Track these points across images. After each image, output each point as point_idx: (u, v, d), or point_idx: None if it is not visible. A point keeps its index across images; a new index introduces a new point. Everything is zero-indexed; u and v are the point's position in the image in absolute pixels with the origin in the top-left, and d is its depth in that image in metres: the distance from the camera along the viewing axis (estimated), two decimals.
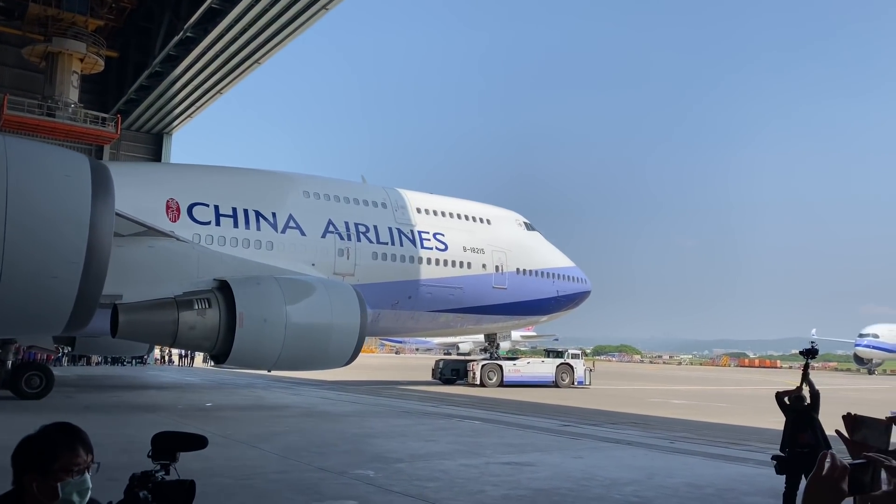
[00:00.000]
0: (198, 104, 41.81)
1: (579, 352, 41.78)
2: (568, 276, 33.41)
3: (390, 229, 27.02)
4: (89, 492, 2.41)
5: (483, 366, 34.38)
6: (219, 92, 40.23)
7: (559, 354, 38.07)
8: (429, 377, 37.73)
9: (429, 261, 27.87)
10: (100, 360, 43.95)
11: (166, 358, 51.03)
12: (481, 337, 42.64)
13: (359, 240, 25.72)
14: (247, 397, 25.37)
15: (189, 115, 43.62)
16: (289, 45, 35.27)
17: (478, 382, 33.70)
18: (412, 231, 27.73)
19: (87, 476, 2.41)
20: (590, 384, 36.74)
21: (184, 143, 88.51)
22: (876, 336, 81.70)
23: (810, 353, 8.54)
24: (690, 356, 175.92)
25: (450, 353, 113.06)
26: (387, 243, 26.66)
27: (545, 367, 36.08)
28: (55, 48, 35.43)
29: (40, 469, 2.27)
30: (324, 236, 24.72)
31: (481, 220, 31.00)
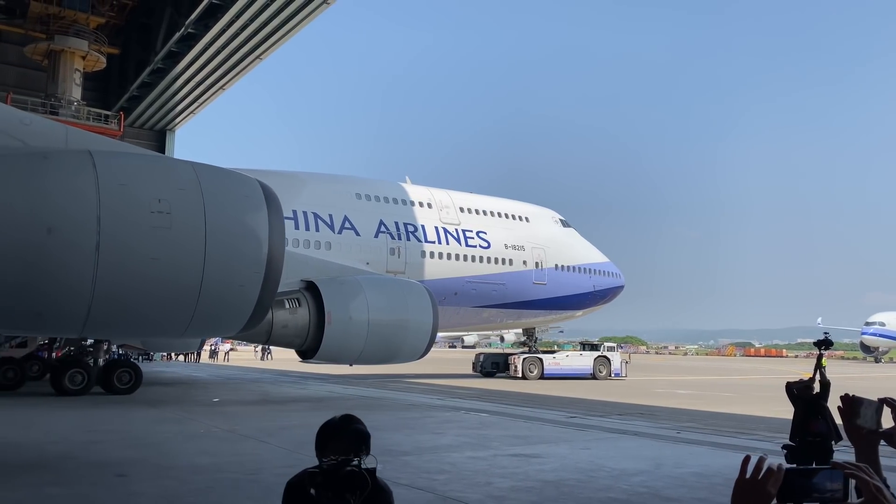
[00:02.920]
0: (200, 100, 41.78)
1: (615, 345, 42.21)
2: (603, 272, 34.31)
3: (436, 228, 28.26)
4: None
5: (524, 359, 34.59)
6: (221, 88, 40.20)
7: (595, 347, 38.52)
8: (458, 370, 37.89)
9: (473, 258, 29.03)
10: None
11: (172, 354, 51.12)
12: (485, 330, 43.85)
13: (408, 239, 27.06)
14: (253, 392, 25.41)
15: (192, 112, 43.60)
16: (290, 40, 35.21)
17: (519, 375, 33.92)
18: (457, 230, 28.93)
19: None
20: (626, 376, 36.89)
21: (187, 140, 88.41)
22: (883, 324, 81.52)
23: (825, 343, 8.49)
24: (696, 346, 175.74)
25: (455, 346, 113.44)
26: (434, 242, 27.90)
27: (583, 360, 36.26)
28: (57, 46, 35.44)
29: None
30: (376, 236, 26.07)
31: (520, 218, 32.00)
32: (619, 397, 24.89)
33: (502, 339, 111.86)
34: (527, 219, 32.24)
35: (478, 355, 39.18)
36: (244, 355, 67.14)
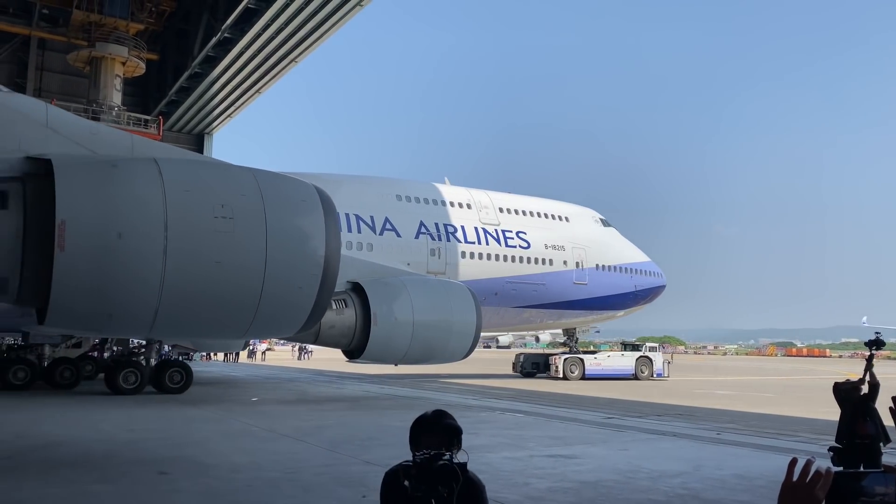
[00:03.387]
0: (237, 104, 42.34)
1: (657, 345, 41.85)
2: (644, 271, 34.09)
3: (476, 229, 28.38)
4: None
5: (565, 359, 34.49)
6: (257, 91, 40.67)
7: (636, 347, 38.21)
8: (495, 370, 37.89)
9: (513, 258, 29.11)
10: None
11: (211, 353, 51.94)
12: (524, 331, 43.88)
13: (448, 240, 27.27)
14: (291, 391, 25.68)
15: (229, 115, 44.21)
16: (324, 43, 35.49)
17: (560, 376, 33.81)
18: (496, 230, 29.02)
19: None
20: (668, 376, 36.52)
21: (225, 143, 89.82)
22: None
23: (876, 343, 8.27)
24: (735, 346, 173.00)
25: (489, 346, 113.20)
26: (474, 242, 28.02)
27: (625, 360, 35.96)
28: (98, 53, 36.23)
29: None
30: (417, 237, 26.35)
31: (560, 218, 31.98)
32: (656, 398, 24.59)
33: (537, 339, 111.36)
34: (567, 218, 32.12)
35: (518, 355, 39.14)
36: (281, 355, 67.93)
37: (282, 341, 68.86)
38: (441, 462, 2.84)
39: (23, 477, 9.11)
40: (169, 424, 15.19)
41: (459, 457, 2.90)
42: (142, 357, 23.84)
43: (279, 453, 11.42)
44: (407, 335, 17.98)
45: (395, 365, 20.02)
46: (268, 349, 65.88)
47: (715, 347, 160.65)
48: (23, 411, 17.22)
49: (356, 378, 33.88)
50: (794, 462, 1.86)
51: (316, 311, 8.88)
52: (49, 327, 8.36)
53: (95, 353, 28.89)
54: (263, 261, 8.10)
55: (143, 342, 24.38)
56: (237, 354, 51.04)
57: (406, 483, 2.86)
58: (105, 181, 7.84)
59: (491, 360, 53.40)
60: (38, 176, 7.76)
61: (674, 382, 34.55)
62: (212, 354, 51.71)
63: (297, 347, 66.27)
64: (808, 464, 1.81)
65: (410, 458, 2.94)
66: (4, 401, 20.10)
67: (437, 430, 3.02)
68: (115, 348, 28.41)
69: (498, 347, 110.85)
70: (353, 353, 18.77)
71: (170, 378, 23.31)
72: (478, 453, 11.63)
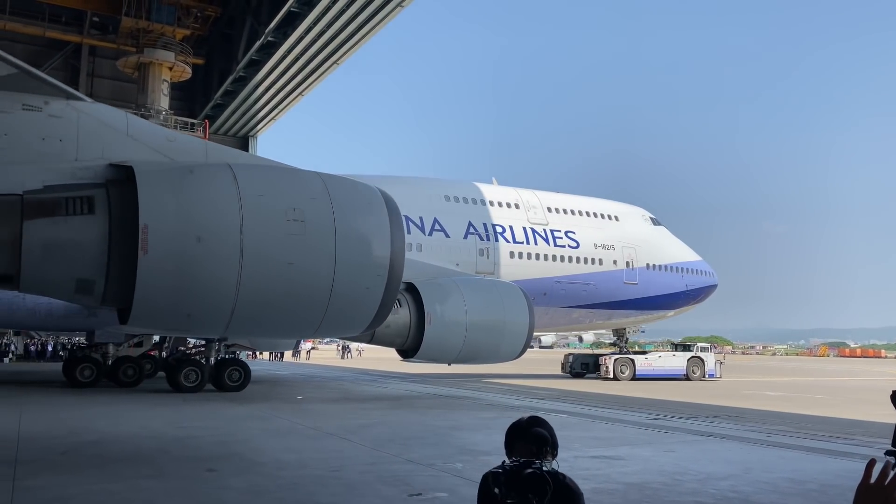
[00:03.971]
0: (281, 106, 42.93)
1: (708, 345, 41.33)
2: (696, 270, 33.68)
3: (525, 229, 28.37)
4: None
5: (616, 360, 34.34)
6: (300, 94, 41.19)
7: (687, 348, 37.80)
8: (540, 370, 37.77)
9: (562, 258, 28.99)
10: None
11: (257, 352, 52.80)
12: (574, 331, 43.67)
13: (496, 240, 27.30)
14: (335, 390, 25.95)
15: (273, 118, 44.86)
16: (366, 44, 35.74)
17: (611, 376, 33.69)
18: (545, 230, 28.95)
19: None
20: (721, 377, 36.04)
21: (268, 145, 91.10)
22: None
23: None
24: (785, 346, 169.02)
25: (532, 346, 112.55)
26: (522, 242, 28.00)
27: (676, 361, 35.68)
28: (146, 58, 37.14)
29: None
30: (465, 237, 26.45)
31: (609, 217, 31.78)
32: (703, 399, 24.16)
33: (580, 339, 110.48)
34: (616, 217, 31.86)
35: (567, 356, 39.02)
36: (325, 354, 68.71)
37: (325, 340, 69.82)
38: (530, 470, 2.83)
39: (77, 471, 9.39)
40: (216, 422, 15.48)
41: (552, 465, 2.92)
42: (201, 356, 24.58)
43: (324, 451, 11.54)
44: (460, 335, 18.11)
45: (449, 364, 20.17)
46: (312, 348, 66.70)
47: (763, 347, 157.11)
48: (79, 408, 17.73)
49: (399, 377, 34.07)
50: (872, 463, 1.80)
51: (382, 311, 9.06)
52: (131, 327, 8.57)
53: (154, 352, 29.71)
54: (333, 262, 8.33)
55: (202, 341, 25.04)
56: (281, 353, 51.77)
57: (496, 490, 2.87)
58: (184, 187, 8.13)
59: (535, 361, 53.14)
60: (120, 182, 8.08)
61: (724, 383, 33.93)
62: (257, 353, 52.62)
63: (340, 346, 67.06)
64: (887, 466, 1.75)
65: (500, 465, 2.96)
66: (67, 397, 20.75)
67: (528, 438, 3.04)
68: (177, 348, 29.32)
69: (541, 347, 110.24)
70: (406, 353, 18.94)
71: (229, 376, 23.98)
72: None
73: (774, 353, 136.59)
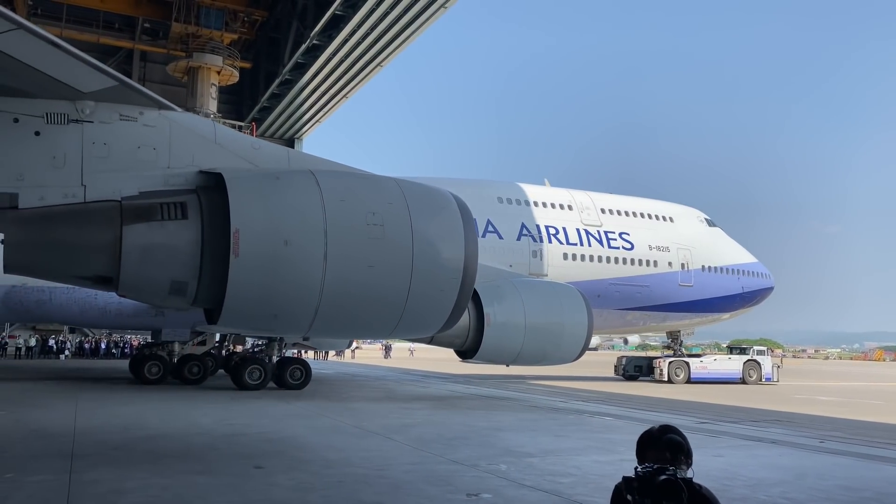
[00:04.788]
0: (326, 108, 43.41)
1: (765, 348, 40.73)
2: (752, 272, 33.25)
3: (578, 230, 28.36)
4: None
5: (670, 362, 34.10)
6: (344, 96, 41.60)
7: (743, 351, 37.27)
8: (588, 373, 37.53)
9: (616, 260, 28.89)
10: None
11: (302, 351, 53.49)
12: (627, 333, 43.35)
13: (550, 241, 27.35)
14: (378, 390, 26.13)
15: (318, 120, 45.39)
16: (409, 46, 35.91)
17: (665, 379, 33.47)
18: (599, 231, 28.91)
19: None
20: (778, 381, 35.45)
21: (314, 147, 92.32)
22: None
23: None
24: (838, 350, 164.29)
25: None
26: (576, 244, 28.02)
27: (732, 364, 35.24)
28: (195, 63, 37.94)
29: None
30: (518, 239, 26.56)
31: (664, 219, 31.56)
32: (753, 403, 23.65)
33: (626, 341, 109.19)
34: (671, 219, 31.55)
35: (620, 358, 38.85)
36: (369, 353, 69.28)
37: (369, 340, 70.34)
38: (664, 476, 2.83)
39: (131, 466, 9.64)
40: (263, 420, 15.73)
41: (687, 473, 2.93)
42: (265, 355, 25.13)
43: (368, 450, 11.64)
44: (519, 337, 18.16)
45: (507, 366, 20.24)
46: (356, 347, 67.34)
47: (815, 351, 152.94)
48: (132, 404, 18.21)
49: (441, 378, 34.17)
50: None
51: (455, 313, 9.25)
52: (220, 327, 8.91)
53: (214, 351, 30.46)
54: (410, 265, 8.57)
55: (264, 341, 25.65)
56: (326, 353, 52.36)
57: (629, 497, 2.89)
58: (271, 192, 8.44)
59: (583, 363, 52.48)
60: (210, 188, 8.48)
61: (779, 387, 33.20)
62: (302, 352, 53.30)
63: (384, 346, 67.59)
64: None
65: (633, 471, 2.97)
66: (120, 394, 21.34)
67: (661, 445, 3.04)
68: (243, 347, 29.99)
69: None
70: (465, 354, 19.06)
71: (291, 374, 24.49)
72: (566, 456, 11.52)
73: (827, 357, 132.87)
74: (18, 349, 47.65)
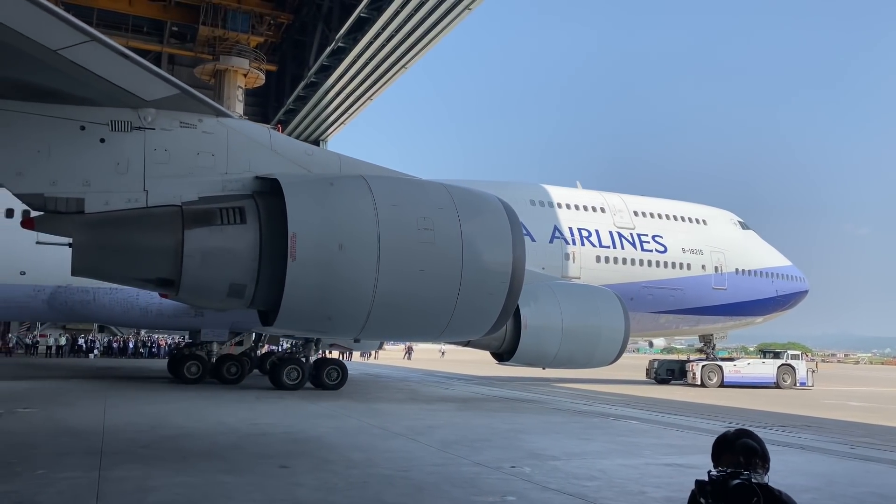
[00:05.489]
0: (351, 110, 43.67)
1: (799, 352, 40.32)
2: (786, 276, 32.98)
3: (611, 233, 28.30)
4: None
5: (703, 366, 33.89)
6: (369, 98, 41.80)
7: (777, 355, 36.91)
8: (617, 376, 37.33)
9: (649, 263, 28.81)
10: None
11: (325, 351, 53.71)
12: (660, 336, 43.18)
13: (583, 244, 27.29)
14: (402, 391, 26.17)
15: (343, 122, 45.67)
16: (434, 47, 35.97)
17: (698, 383, 33.28)
18: (632, 234, 28.84)
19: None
20: (813, 385, 35.05)
21: (340, 149, 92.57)
22: None
23: None
24: (869, 354, 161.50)
25: None
26: (609, 247, 27.96)
27: (766, 368, 35.04)
28: (222, 66, 38.44)
29: None
30: (551, 241, 26.52)
31: (697, 221, 31.45)
32: (782, 408, 23.29)
33: (651, 344, 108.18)
34: (704, 221, 31.34)
35: (652, 361, 38.65)
36: (391, 354, 69.43)
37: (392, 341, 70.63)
38: (737, 481, 2.82)
39: (158, 464, 9.75)
40: (288, 420, 15.81)
41: (763, 478, 2.92)
42: (301, 355, 25.48)
43: (392, 451, 11.65)
44: (556, 341, 18.09)
45: (544, 369, 20.18)
46: (379, 348, 67.67)
47: (845, 355, 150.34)
48: (159, 403, 18.42)
49: (464, 379, 34.13)
50: None
51: (503, 316, 9.36)
52: (275, 328, 9.10)
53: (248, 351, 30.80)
54: (460, 269, 8.73)
55: (302, 341, 25.93)
56: (351, 353, 52.54)
57: (701, 500, 2.89)
58: (326, 197, 8.63)
59: (611, 366, 52.31)
60: (266, 193, 8.70)
61: (809, 393, 32.72)
62: (325, 351, 53.52)
63: (406, 347, 67.81)
64: None
65: (707, 475, 2.97)
66: (147, 393, 21.61)
67: (735, 449, 3.03)
68: (271, 347, 30.23)
69: None
70: (501, 356, 19.10)
71: (328, 375, 24.70)
72: (591, 459, 11.43)
73: (858, 362, 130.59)
74: (49, 348, 48.51)
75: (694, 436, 15.13)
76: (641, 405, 22.49)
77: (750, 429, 3.21)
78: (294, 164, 9.18)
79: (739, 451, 2.96)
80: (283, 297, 8.15)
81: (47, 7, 6.28)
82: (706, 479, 2.90)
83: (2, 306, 23.41)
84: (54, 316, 26.42)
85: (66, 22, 6.50)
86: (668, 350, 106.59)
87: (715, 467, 2.95)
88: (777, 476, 9.84)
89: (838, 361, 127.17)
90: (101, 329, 52.87)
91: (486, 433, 14.40)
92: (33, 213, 8.59)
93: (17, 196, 8.21)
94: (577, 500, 8.46)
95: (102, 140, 8.31)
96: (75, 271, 8.40)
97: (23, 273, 22.15)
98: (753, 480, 2.80)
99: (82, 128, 8.24)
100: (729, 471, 2.85)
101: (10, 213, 21.68)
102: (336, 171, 9.36)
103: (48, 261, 21.84)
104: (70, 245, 8.34)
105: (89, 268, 8.54)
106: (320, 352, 27.82)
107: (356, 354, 54.80)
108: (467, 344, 18.82)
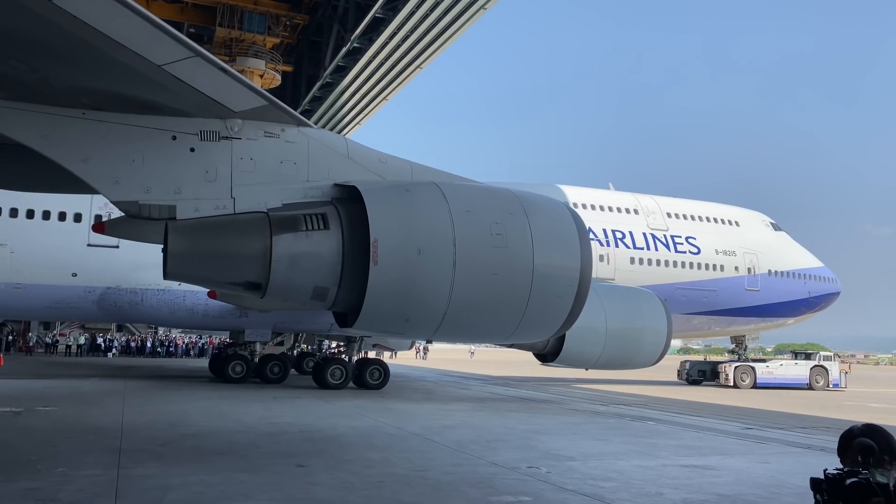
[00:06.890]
0: (367, 110, 43.79)
1: (832, 353, 40.11)
2: (818, 277, 32.93)
3: (644, 235, 28.45)
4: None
5: (736, 367, 33.85)
6: (385, 98, 41.92)
7: (808, 356, 36.72)
8: (653, 377, 37.20)
9: (682, 264, 28.96)
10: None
11: (366, 353, 53.92)
12: (693, 338, 43.37)
13: (616, 245, 27.49)
14: (418, 391, 26.18)
15: (359, 122, 45.82)
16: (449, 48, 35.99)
17: (731, 384, 33.25)
18: (665, 235, 28.97)
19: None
20: (846, 387, 34.93)
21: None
22: None
23: None
24: (890, 355, 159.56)
25: None
26: (642, 248, 28.13)
27: (798, 370, 34.93)
28: (238, 67, 38.54)
29: None
30: None
31: (730, 223, 31.52)
32: (803, 410, 23.08)
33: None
34: (737, 223, 31.39)
35: (683, 363, 38.64)
36: (405, 353, 69.52)
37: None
38: (852, 480, 2.77)
39: (176, 463, 9.82)
40: (305, 419, 15.86)
41: (891, 477, 2.81)
42: (345, 355, 25.79)
43: (409, 451, 11.66)
44: (600, 342, 18.22)
45: (587, 370, 20.19)
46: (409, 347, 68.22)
47: (865, 356, 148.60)
48: (178, 402, 18.56)
49: (480, 379, 34.11)
50: None
51: (570, 318, 9.50)
52: (355, 329, 9.32)
53: (288, 351, 31.04)
54: (531, 272, 8.90)
55: (343, 342, 26.17)
56: (366, 353, 52.68)
57: (817, 496, 2.91)
58: (404, 204, 8.89)
59: None
60: (345, 200, 8.95)
61: (833, 394, 32.40)
62: (367, 352, 53.64)
63: (421, 347, 67.90)
64: None
65: (823, 473, 2.95)
66: (165, 392, 21.78)
67: (855, 447, 2.99)
68: (305, 347, 30.50)
69: None
70: (546, 357, 19.11)
71: (370, 375, 24.99)
72: (608, 460, 11.38)
73: (878, 363, 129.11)
74: (68, 347, 49.03)
75: (712, 437, 15.04)
76: (659, 406, 22.35)
77: (878, 424, 3.10)
78: (369, 172, 9.46)
79: (858, 449, 2.91)
80: (366, 300, 8.37)
81: (157, 23, 6.48)
82: (822, 476, 2.87)
83: (54, 307, 23.70)
84: (104, 316, 26.76)
85: (173, 38, 6.73)
86: (685, 350, 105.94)
87: (842, 463, 2.94)
88: (796, 478, 9.78)
89: (858, 362, 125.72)
90: (120, 328, 53.31)
91: (502, 433, 14.38)
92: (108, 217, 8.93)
93: (115, 203, 8.53)
94: (593, 500, 8.42)
95: (192, 149, 8.64)
96: (168, 276, 8.66)
97: (74, 275, 22.53)
98: (875, 479, 2.72)
99: (174, 137, 8.56)
100: (846, 469, 2.79)
101: (78, 217, 22.37)
102: (408, 178, 9.66)
103: (98, 263, 22.30)
104: (163, 251, 8.60)
105: (182, 273, 8.83)
106: (362, 352, 28.04)
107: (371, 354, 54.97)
108: (511, 345, 18.91)
